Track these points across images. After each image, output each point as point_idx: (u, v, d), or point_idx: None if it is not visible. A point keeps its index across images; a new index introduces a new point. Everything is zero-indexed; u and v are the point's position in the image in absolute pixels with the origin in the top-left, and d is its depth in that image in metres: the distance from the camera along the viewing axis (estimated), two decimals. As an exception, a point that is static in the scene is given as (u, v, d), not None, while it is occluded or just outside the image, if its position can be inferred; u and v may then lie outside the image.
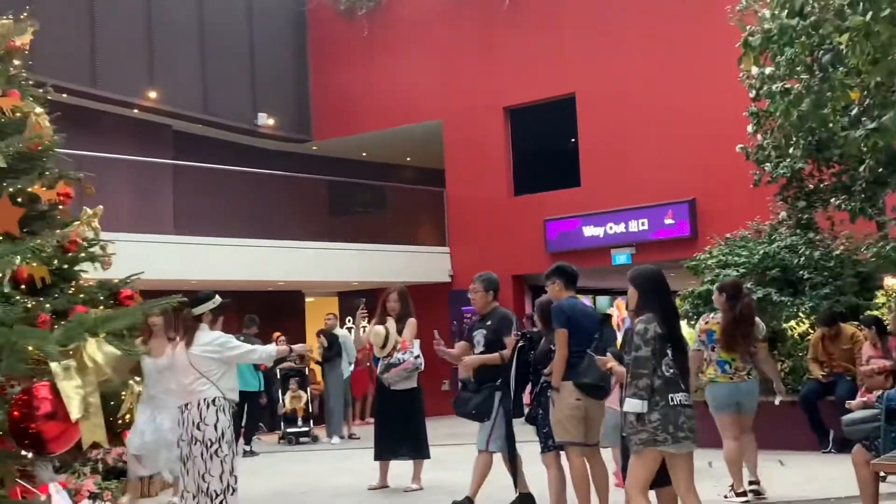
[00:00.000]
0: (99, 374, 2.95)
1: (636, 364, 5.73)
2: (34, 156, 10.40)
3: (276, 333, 16.15)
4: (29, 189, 10.01)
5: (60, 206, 10.49)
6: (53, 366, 2.86)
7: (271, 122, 22.43)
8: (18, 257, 9.62)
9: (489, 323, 8.39)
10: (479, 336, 8.38)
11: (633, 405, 5.69)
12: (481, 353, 8.31)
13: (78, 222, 10.47)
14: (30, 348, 2.86)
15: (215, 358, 7.20)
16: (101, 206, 10.84)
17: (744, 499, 8.32)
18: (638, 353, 5.73)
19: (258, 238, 18.88)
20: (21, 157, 10.27)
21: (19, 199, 10.05)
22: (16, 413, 2.86)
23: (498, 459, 8.34)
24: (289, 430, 16.26)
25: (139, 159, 19.23)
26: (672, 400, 5.72)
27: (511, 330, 8.30)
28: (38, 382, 2.90)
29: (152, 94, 19.98)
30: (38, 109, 10.37)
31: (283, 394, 16.54)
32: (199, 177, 20.05)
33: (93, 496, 7.75)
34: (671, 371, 5.76)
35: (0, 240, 3.41)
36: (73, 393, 2.87)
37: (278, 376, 16.55)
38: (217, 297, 7.44)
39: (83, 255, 10.49)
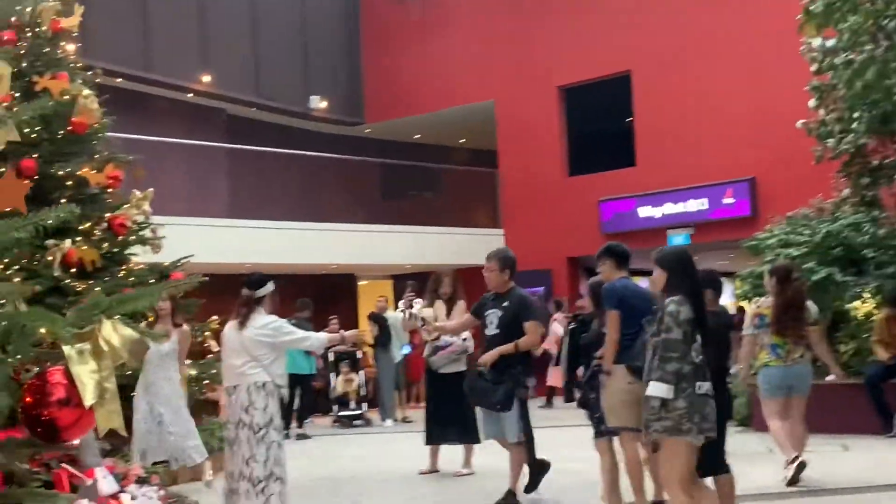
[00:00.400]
0: (115, 357, 2.79)
1: (666, 347, 5.49)
2: (83, 139, 10.45)
3: (332, 317, 16.07)
4: (78, 172, 10.08)
5: (110, 190, 10.56)
6: (67, 349, 2.71)
7: (324, 105, 22.36)
8: (69, 241, 9.66)
9: (506, 304, 7.95)
10: (494, 317, 7.96)
11: (660, 389, 5.45)
12: (495, 334, 7.95)
13: (128, 205, 10.54)
14: (42, 331, 2.71)
15: (268, 342, 7.06)
16: (151, 190, 10.87)
17: (798, 462, 8.12)
18: (669, 335, 5.49)
19: (311, 221, 18.87)
20: (70, 140, 10.32)
21: (69, 182, 10.09)
22: (28, 399, 2.72)
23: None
24: (341, 413, 16.19)
25: (193, 143, 19.32)
26: (699, 388, 5.49)
27: (531, 314, 7.94)
28: (51, 367, 2.75)
29: (206, 79, 20.03)
30: (87, 92, 10.42)
31: (336, 377, 16.46)
32: (252, 160, 20.11)
33: (140, 480, 7.69)
34: (699, 357, 5.53)
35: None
36: (88, 378, 2.72)
37: (331, 359, 16.47)
38: (272, 280, 7.29)
39: (133, 238, 10.58)
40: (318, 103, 22.24)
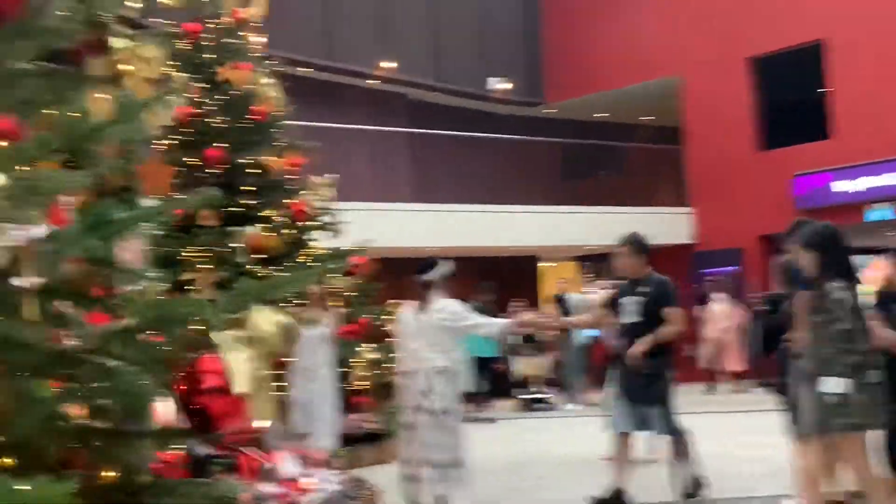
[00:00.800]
0: (267, 344, 2.69)
1: (842, 338, 5.04)
2: (264, 127, 10.64)
3: (517, 301, 15.94)
4: (260, 159, 10.27)
5: (291, 176, 10.72)
6: (219, 337, 2.62)
7: (503, 86, 22.20)
8: (251, 228, 9.84)
9: (645, 289, 7.39)
10: (632, 305, 7.41)
11: (837, 385, 5.01)
12: (635, 323, 7.37)
13: (307, 191, 10.68)
14: (194, 319, 2.61)
15: (447, 326, 6.96)
16: (331, 175, 10.99)
17: None
18: (841, 325, 5.04)
19: (492, 203, 18.78)
20: (253, 129, 10.53)
21: (252, 170, 10.29)
22: (182, 387, 2.64)
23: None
24: (524, 396, 16.06)
25: (375, 129, 19.53)
26: (871, 377, 5.04)
27: (672, 300, 7.41)
28: (204, 355, 2.66)
29: (386, 65, 20.19)
30: (267, 80, 10.60)
31: (519, 360, 16.34)
32: (433, 144, 20.19)
33: (322, 464, 7.74)
34: (867, 345, 5.07)
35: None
36: (240, 365, 2.62)
37: (513, 342, 16.34)
38: (447, 263, 7.17)
39: (313, 223, 10.71)
40: (498, 85, 22.10)
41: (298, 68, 18.15)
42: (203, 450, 6.12)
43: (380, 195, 18.05)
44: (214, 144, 10.10)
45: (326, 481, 7.29)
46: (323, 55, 19.32)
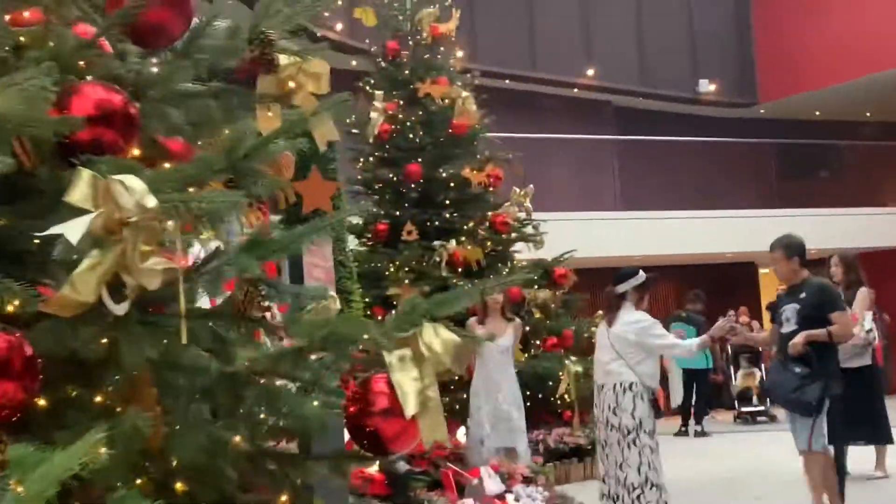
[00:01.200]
0: (437, 363, 2.57)
1: None
2: (464, 140, 10.66)
3: (730, 312, 15.34)
4: (460, 173, 10.29)
5: (491, 189, 10.69)
6: (387, 356, 2.52)
7: (713, 87, 21.55)
8: (453, 241, 9.85)
9: (802, 296, 6.81)
10: (790, 312, 6.81)
11: None
12: (793, 331, 6.73)
13: (509, 203, 10.62)
14: (365, 338, 2.53)
15: (633, 340, 6.69)
16: (531, 186, 10.89)
17: None
18: None
19: (703, 209, 18.25)
20: (452, 143, 10.57)
21: (451, 184, 10.32)
22: (352, 409, 2.56)
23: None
24: (743, 409, 15.43)
25: (580, 137, 19.36)
26: None
27: (836, 304, 6.82)
28: (375, 375, 2.57)
29: (591, 72, 20.00)
30: (465, 94, 10.61)
31: (736, 371, 15.72)
32: (641, 151, 19.86)
33: (526, 480, 7.62)
34: None
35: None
36: (409, 386, 2.52)
37: (729, 353, 15.76)
38: (643, 274, 6.89)
39: (515, 235, 10.64)
40: (708, 87, 21.48)
41: (502, 80, 18.27)
42: (402, 466, 6.12)
43: (586, 205, 17.87)
44: (415, 160, 10.18)
45: (530, 499, 7.17)
46: (527, 66, 19.32)
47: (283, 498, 2.70)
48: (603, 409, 6.70)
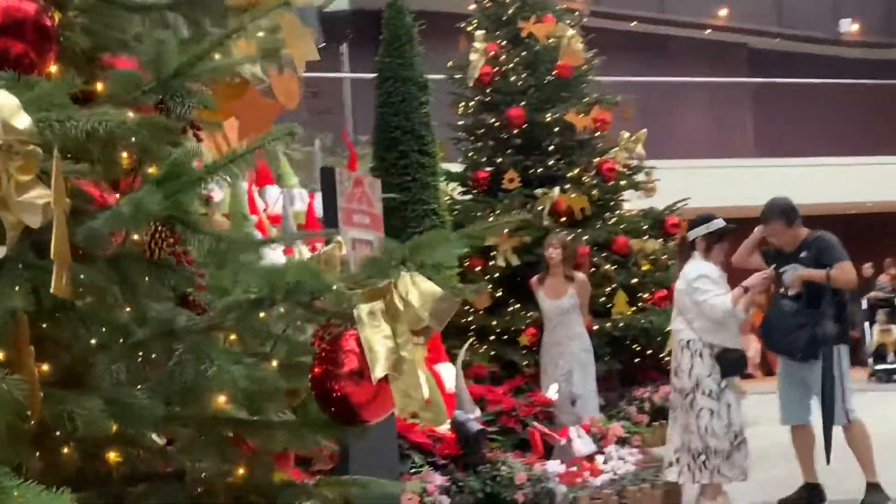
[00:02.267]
0: (414, 319, 2.18)
1: None
2: (569, 82, 10.10)
3: (865, 265, 14.46)
4: (565, 117, 9.76)
5: (598, 133, 10.13)
6: (356, 310, 2.14)
7: (855, 27, 20.42)
8: (557, 189, 9.36)
9: (803, 255, 6.18)
10: (792, 272, 6.16)
11: None
12: (797, 294, 6.15)
13: (617, 148, 10.04)
14: (329, 288, 2.15)
15: (685, 294, 6.09)
16: (644, 131, 10.27)
17: None
18: None
19: (841, 155, 17.30)
20: (557, 85, 10.02)
21: (556, 129, 9.80)
22: (317, 369, 2.19)
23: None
24: (878, 367, 14.54)
25: (713, 81, 18.68)
26: None
27: (836, 254, 6.10)
28: (347, 331, 2.20)
29: (724, 13, 19.23)
30: (571, 33, 10.04)
31: (871, 327, 14.81)
32: (777, 94, 19.06)
33: (621, 441, 7.17)
34: None
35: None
36: (380, 345, 2.13)
37: (864, 307, 14.84)
38: (718, 221, 6.17)
39: (624, 182, 10.06)
40: (850, 26, 20.34)
41: (627, 22, 17.65)
42: (474, 426, 5.74)
43: (720, 151, 17.19)
44: (517, 103, 9.69)
45: (621, 461, 6.72)
46: (656, 9, 18.71)
47: (241, 471, 2.36)
48: (671, 371, 6.18)
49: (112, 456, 2.15)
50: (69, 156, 1.92)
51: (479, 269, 9.28)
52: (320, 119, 12.13)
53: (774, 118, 19.08)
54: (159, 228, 1.95)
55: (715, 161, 16.46)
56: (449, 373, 6.84)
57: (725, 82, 19.07)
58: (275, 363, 2.32)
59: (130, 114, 1.94)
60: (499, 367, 8.94)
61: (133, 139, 1.98)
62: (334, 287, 2.20)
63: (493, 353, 9.07)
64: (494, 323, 9.13)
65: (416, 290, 2.26)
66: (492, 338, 9.21)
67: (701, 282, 5.96)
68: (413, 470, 5.33)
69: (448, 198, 9.58)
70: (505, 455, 5.89)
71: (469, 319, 9.22)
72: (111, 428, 1.96)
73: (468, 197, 10.05)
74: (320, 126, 10.35)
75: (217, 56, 2.16)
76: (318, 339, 2.37)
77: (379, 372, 2.16)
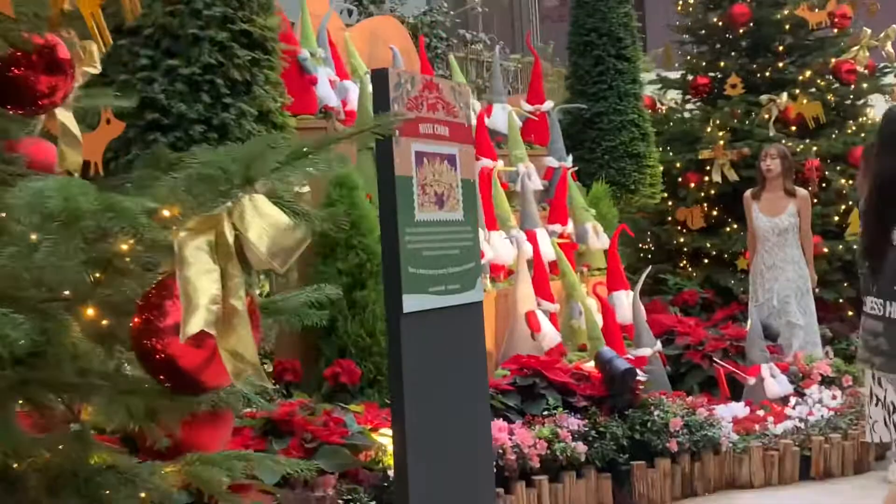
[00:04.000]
0: (252, 258, 1.69)
1: None
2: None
3: None
4: (796, 13, 8.66)
5: (836, 30, 8.93)
6: (175, 245, 1.68)
7: None
8: (785, 94, 8.32)
9: None
10: None
11: None
12: None
13: (858, 47, 8.80)
14: (136, 218, 1.67)
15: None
16: (894, 27, 8.94)
17: None
18: None
19: None
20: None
21: (787, 27, 8.70)
22: (137, 322, 1.75)
23: None
24: None
25: None
26: None
27: None
28: (164, 277, 1.74)
29: None
30: None
31: None
32: None
33: (827, 381, 6.28)
34: None
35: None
36: (200, 291, 1.66)
37: None
38: None
39: (867, 86, 8.84)
40: None
41: None
42: (622, 364, 5.11)
43: None
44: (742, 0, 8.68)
45: (819, 404, 5.88)
46: None
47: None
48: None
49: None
50: None
51: (693, 184, 8.50)
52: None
53: None
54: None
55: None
56: (624, 302, 6.23)
57: None
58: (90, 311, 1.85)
59: None
60: (712, 293, 8.19)
61: None
62: (139, 216, 1.68)
63: (706, 277, 8.32)
64: (709, 245, 8.37)
65: (259, 218, 1.75)
66: (706, 261, 8.46)
67: None
68: (546, 412, 4.79)
69: (660, 107, 8.80)
70: (658, 398, 5.19)
71: (681, 241, 8.51)
72: None
73: (687, 108, 9.22)
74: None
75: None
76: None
77: (193, 326, 1.67)
